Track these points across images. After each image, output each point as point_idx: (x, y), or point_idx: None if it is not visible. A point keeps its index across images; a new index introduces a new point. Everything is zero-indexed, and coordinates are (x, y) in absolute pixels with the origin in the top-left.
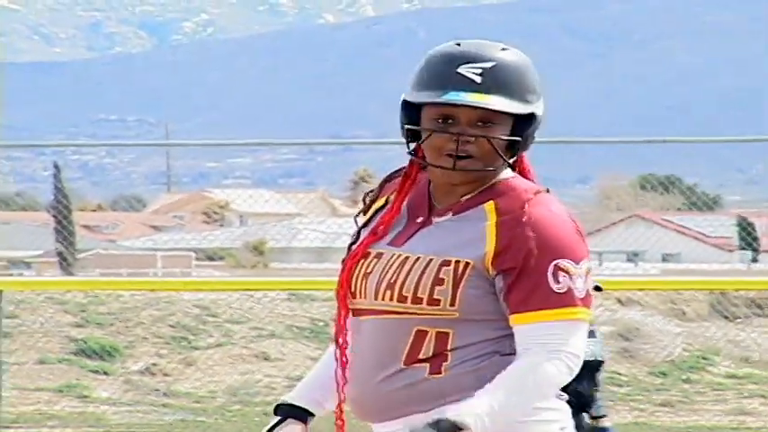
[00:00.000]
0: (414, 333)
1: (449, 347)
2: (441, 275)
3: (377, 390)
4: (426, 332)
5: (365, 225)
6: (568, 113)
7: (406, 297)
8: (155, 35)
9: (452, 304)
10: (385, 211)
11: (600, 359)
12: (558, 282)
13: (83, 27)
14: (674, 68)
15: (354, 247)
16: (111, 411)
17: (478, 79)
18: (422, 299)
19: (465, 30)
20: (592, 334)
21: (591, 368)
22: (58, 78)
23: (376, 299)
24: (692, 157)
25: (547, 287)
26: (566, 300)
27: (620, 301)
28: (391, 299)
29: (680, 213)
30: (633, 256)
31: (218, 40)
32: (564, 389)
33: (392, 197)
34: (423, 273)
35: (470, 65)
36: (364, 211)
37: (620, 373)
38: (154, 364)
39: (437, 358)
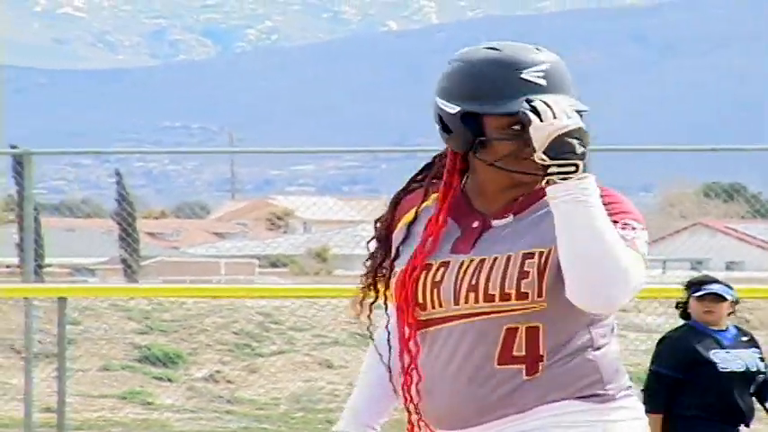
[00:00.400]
0: (504, 331)
1: (541, 343)
2: (525, 269)
3: (470, 395)
4: (516, 329)
5: (403, 242)
6: (633, 121)
7: (493, 296)
8: (219, 43)
9: (540, 295)
10: (429, 223)
11: (753, 370)
12: (626, 232)
13: (146, 35)
14: (739, 76)
15: (406, 261)
16: (175, 418)
17: (544, 82)
18: (510, 294)
19: (528, 37)
20: (752, 344)
21: (745, 379)
22: (121, 85)
23: (457, 304)
24: (757, 165)
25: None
26: (631, 245)
27: None
28: (476, 301)
29: (744, 221)
30: (697, 264)
31: (282, 47)
32: (719, 401)
33: (422, 210)
34: (506, 269)
35: (530, 69)
36: (378, 238)
37: None
38: (217, 372)
39: (532, 357)
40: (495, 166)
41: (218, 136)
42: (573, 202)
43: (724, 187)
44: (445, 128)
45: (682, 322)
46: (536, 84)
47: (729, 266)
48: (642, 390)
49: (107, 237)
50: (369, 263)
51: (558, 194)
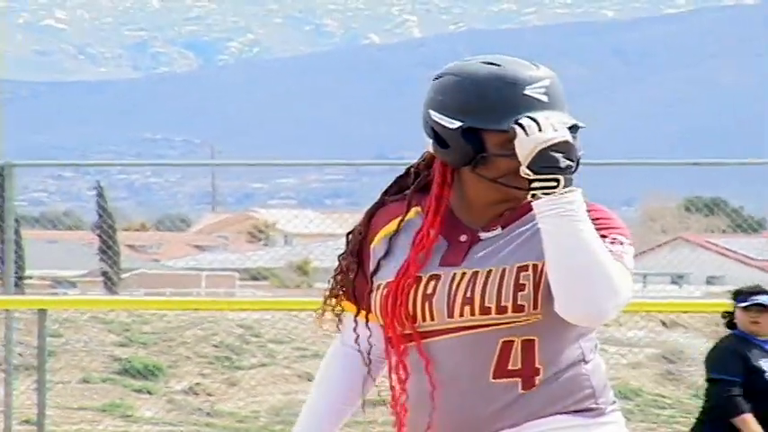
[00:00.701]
0: (500, 344)
1: (536, 357)
2: (521, 281)
3: (463, 409)
4: (512, 342)
5: (385, 256)
6: (614, 135)
7: (489, 308)
8: (200, 55)
9: (535, 307)
10: (417, 237)
11: None
12: (614, 246)
13: (129, 47)
14: (721, 90)
15: (393, 275)
16: (155, 431)
17: (546, 99)
18: (506, 307)
19: (511, 51)
20: None
21: None
22: (103, 98)
23: (451, 317)
24: (738, 179)
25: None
26: (619, 259)
27: (664, 323)
28: (472, 313)
29: (725, 236)
30: (678, 279)
31: (263, 60)
32: (766, 411)
33: (405, 223)
34: (501, 282)
35: (533, 86)
36: (351, 252)
37: (663, 396)
38: (197, 384)
39: (528, 371)
40: (499, 183)
41: (199, 149)
42: (558, 217)
43: (705, 201)
44: (441, 142)
45: (663, 337)
46: (538, 100)
47: (710, 281)
48: (716, 405)
49: (88, 249)
50: (341, 277)
51: (543, 209)
